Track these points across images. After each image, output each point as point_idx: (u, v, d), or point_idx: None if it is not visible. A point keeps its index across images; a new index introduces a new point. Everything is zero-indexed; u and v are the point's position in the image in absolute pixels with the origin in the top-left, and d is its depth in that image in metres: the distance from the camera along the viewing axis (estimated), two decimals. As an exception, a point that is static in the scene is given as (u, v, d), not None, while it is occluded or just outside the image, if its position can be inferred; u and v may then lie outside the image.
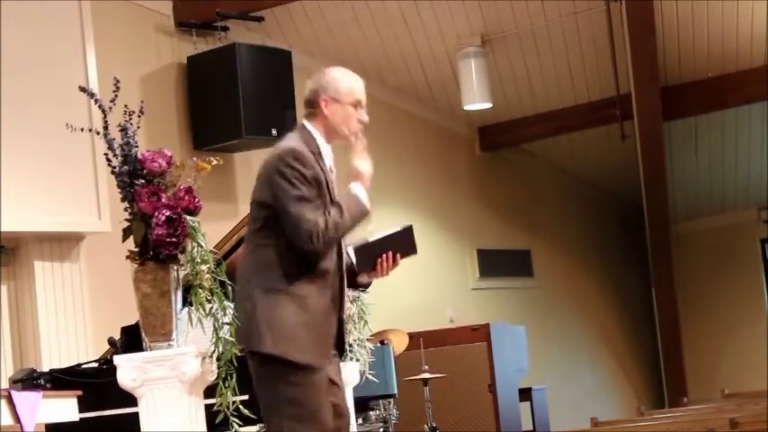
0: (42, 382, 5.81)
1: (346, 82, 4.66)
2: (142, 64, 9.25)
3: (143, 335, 4.67)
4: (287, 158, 4.48)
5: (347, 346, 5.62)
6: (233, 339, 4.65)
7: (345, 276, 4.71)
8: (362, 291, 5.75)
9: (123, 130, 4.72)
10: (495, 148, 13.04)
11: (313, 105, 4.66)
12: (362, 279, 4.87)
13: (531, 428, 10.61)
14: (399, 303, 10.75)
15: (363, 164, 4.66)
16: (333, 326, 4.63)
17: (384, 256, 4.75)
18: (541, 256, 13.61)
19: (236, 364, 4.68)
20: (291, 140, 4.59)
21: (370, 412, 8.49)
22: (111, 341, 5.91)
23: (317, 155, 4.58)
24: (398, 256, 4.79)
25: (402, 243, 4.81)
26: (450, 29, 10.78)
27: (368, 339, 6.07)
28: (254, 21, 9.77)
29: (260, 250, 4.54)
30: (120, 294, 6.45)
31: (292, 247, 4.47)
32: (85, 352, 8.03)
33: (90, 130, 4.98)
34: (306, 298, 4.49)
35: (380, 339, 8.14)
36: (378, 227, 4.85)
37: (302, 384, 4.45)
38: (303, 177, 4.46)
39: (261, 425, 6.34)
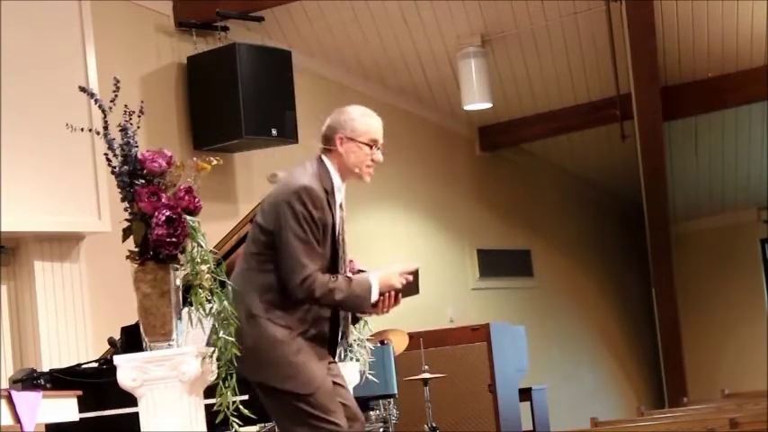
0: (42, 382, 5.82)
1: (364, 121, 4.68)
2: (142, 64, 9.25)
3: (143, 335, 4.66)
4: (301, 195, 4.52)
5: (347, 347, 5.62)
6: (233, 339, 4.65)
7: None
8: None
9: (123, 130, 4.71)
10: (495, 148, 13.04)
11: (329, 142, 4.68)
12: (363, 315, 4.88)
13: (531, 428, 10.60)
14: (399, 303, 10.73)
15: (396, 278, 4.67)
16: (325, 329, 4.67)
17: (387, 294, 4.73)
18: (541, 256, 13.61)
19: (236, 364, 4.68)
20: (306, 175, 4.62)
21: (370, 412, 8.49)
22: (111, 341, 5.91)
23: (330, 193, 4.61)
24: (400, 295, 4.77)
25: (407, 283, 4.80)
26: (451, 29, 10.78)
27: (368, 339, 6.07)
28: (254, 21, 9.77)
29: (261, 273, 4.59)
30: (120, 294, 6.46)
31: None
32: (85, 352, 8.03)
33: (90, 130, 4.98)
34: (290, 331, 4.56)
35: (380, 339, 8.14)
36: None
37: (312, 404, 4.53)
38: (311, 219, 4.51)
39: (261, 425, 6.35)
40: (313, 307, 4.60)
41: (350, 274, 4.65)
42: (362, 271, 4.91)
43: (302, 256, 4.49)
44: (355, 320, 4.93)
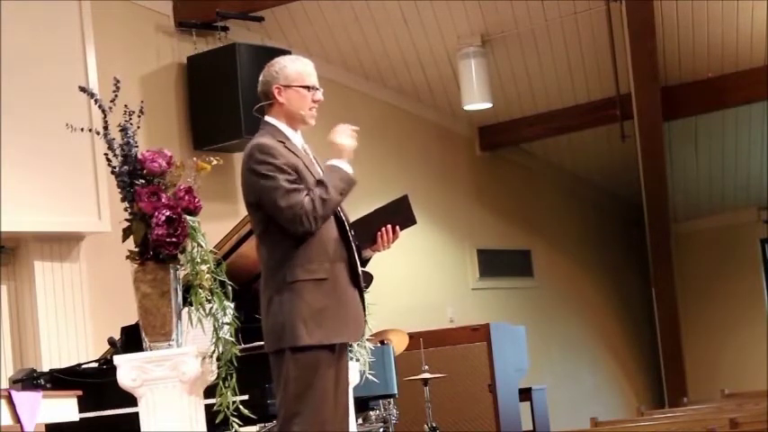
0: (42, 382, 5.82)
1: (293, 67, 4.73)
2: (142, 64, 9.25)
3: (143, 335, 4.67)
4: (255, 155, 4.54)
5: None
6: (233, 339, 4.65)
7: (355, 248, 4.72)
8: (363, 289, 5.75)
9: (123, 130, 4.72)
10: (495, 148, 13.04)
11: (268, 96, 4.72)
12: (366, 254, 4.87)
13: (531, 428, 10.60)
14: (399, 303, 10.75)
15: (341, 137, 4.69)
16: (351, 304, 4.66)
17: (383, 228, 4.76)
18: (541, 256, 13.61)
19: (236, 364, 4.68)
20: (259, 137, 4.65)
21: (370, 412, 8.49)
22: (111, 341, 5.91)
23: (286, 140, 4.63)
24: (398, 227, 4.79)
25: (399, 214, 4.84)
26: (451, 29, 10.78)
27: (368, 339, 6.06)
28: (254, 21, 9.77)
29: (271, 250, 4.55)
30: (120, 294, 6.46)
31: (294, 238, 4.50)
32: (85, 352, 8.03)
33: (90, 130, 4.99)
34: (325, 281, 4.52)
35: (380, 339, 8.14)
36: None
37: (335, 367, 4.52)
38: (275, 167, 4.51)
39: (261, 425, 6.35)
40: (328, 247, 4.57)
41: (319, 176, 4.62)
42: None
43: (282, 201, 4.47)
44: (364, 261, 4.91)
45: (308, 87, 4.72)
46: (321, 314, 4.49)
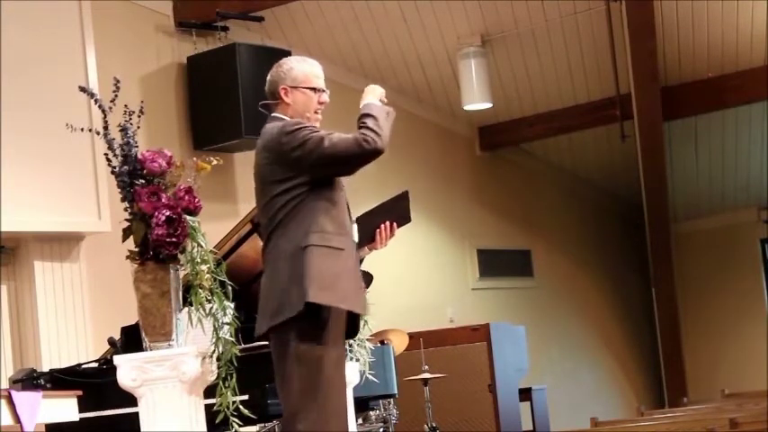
0: (42, 382, 5.82)
1: (301, 68, 4.74)
2: (142, 64, 9.26)
3: (143, 335, 4.67)
4: (285, 130, 4.55)
5: (347, 346, 5.62)
6: (233, 339, 4.65)
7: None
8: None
9: (123, 130, 4.72)
10: (495, 148, 13.04)
11: (275, 96, 4.73)
12: (362, 253, 4.88)
13: (531, 428, 10.60)
14: (399, 303, 10.75)
15: (373, 90, 4.72)
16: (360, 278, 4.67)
17: (383, 225, 4.77)
18: (541, 256, 13.61)
19: (236, 364, 4.68)
20: (272, 123, 4.65)
21: (370, 412, 8.49)
22: (111, 341, 5.91)
23: None
24: (395, 225, 4.81)
25: (398, 211, 4.84)
26: (451, 29, 10.78)
27: (368, 339, 6.07)
28: (254, 21, 9.77)
29: (286, 230, 4.52)
30: (120, 294, 6.46)
31: (318, 211, 4.50)
32: (85, 352, 8.03)
33: (90, 130, 4.99)
34: (342, 251, 4.53)
35: (380, 339, 8.14)
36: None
37: (337, 360, 4.52)
38: (310, 129, 4.54)
39: (261, 425, 6.35)
40: (344, 219, 4.61)
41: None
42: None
43: (335, 137, 4.49)
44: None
45: (314, 89, 4.72)
46: (338, 278, 4.47)
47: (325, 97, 4.76)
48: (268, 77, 4.76)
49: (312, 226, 4.49)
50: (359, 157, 4.52)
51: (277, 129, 4.59)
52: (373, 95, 4.71)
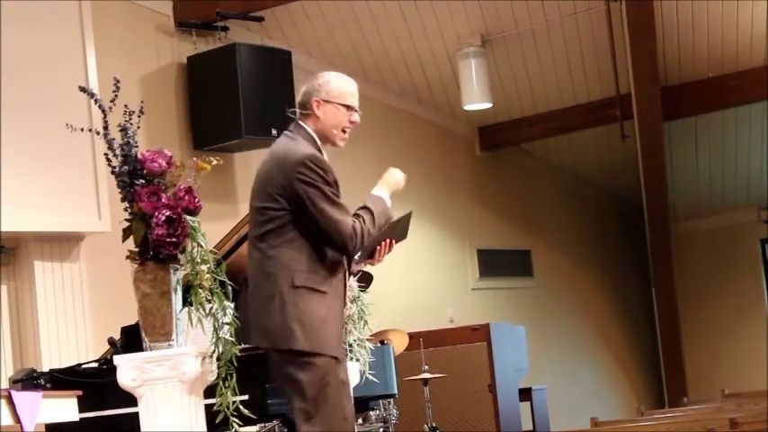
0: (42, 382, 5.81)
1: (337, 83, 4.74)
2: (142, 64, 9.25)
3: (143, 335, 4.67)
4: (309, 163, 4.54)
5: (347, 346, 5.62)
6: (233, 339, 4.65)
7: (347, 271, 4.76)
8: (362, 290, 5.76)
9: (123, 130, 4.72)
10: (495, 148, 13.04)
11: (305, 107, 4.72)
12: (358, 267, 4.89)
13: (531, 428, 10.60)
14: (399, 303, 10.75)
15: (393, 176, 4.85)
16: (341, 322, 4.72)
17: (383, 243, 4.79)
18: (541, 256, 13.61)
19: (236, 364, 4.68)
20: (300, 143, 4.63)
21: (370, 412, 8.48)
22: (111, 341, 5.91)
23: (322, 153, 4.67)
24: (393, 242, 4.85)
25: (399, 229, 4.85)
26: (451, 29, 10.77)
27: (368, 339, 6.06)
28: (254, 21, 9.77)
29: (276, 253, 4.55)
30: (120, 294, 6.46)
31: (310, 246, 4.53)
32: (85, 352, 8.03)
33: (90, 130, 4.99)
34: (326, 294, 4.56)
35: (380, 339, 8.13)
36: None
37: (333, 374, 4.53)
38: (328, 183, 4.55)
39: (261, 425, 6.35)
40: (340, 267, 4.64)
41: (365, 203, 4.72)
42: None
43: (338, 215, 4.52)
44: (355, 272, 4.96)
45: (347, 107, 4.72)
46: (323, 323, 4.52)
47: (356, 117, 4.75)
48: (302, 89, 4.76)
49: (300, 261, 4.53)
50: (335, 245, 4.56)
51: (300, 155, 4.56)
52: (388, 186, 4.79)
